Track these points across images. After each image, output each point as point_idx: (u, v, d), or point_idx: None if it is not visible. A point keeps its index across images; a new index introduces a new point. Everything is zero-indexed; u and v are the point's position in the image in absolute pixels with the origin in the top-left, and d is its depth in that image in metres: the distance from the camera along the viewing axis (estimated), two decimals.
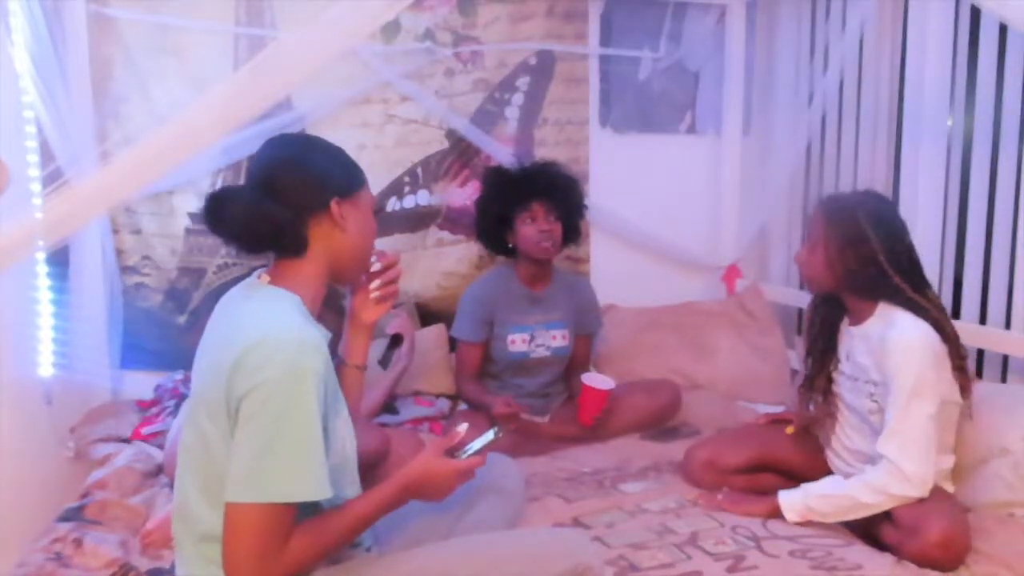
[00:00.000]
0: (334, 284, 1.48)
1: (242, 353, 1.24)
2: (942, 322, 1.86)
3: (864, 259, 1.87)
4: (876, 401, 1.88)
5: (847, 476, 1.98)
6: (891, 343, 1.82)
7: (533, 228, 2.50)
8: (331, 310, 1.77)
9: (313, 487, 1.23)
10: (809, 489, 1.89)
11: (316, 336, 1.30)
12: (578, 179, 2.70)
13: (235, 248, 1.39)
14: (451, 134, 2.99)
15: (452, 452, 1.44)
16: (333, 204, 1.38)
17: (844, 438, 2.01)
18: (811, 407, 2.09)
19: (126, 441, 2.38)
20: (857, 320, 1.96)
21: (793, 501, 1.90)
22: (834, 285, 1.95)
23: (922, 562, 1.70)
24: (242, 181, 2.74)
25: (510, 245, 2.58)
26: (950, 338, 1.86)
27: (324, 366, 1.28)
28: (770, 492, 2.05)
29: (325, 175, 1.38)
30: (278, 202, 1.34)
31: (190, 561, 1.36)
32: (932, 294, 1.91)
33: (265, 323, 1.28)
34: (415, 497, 1.40)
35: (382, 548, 1.51)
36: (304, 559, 1.27)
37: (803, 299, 2.21)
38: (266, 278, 1.38)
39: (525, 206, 2.50)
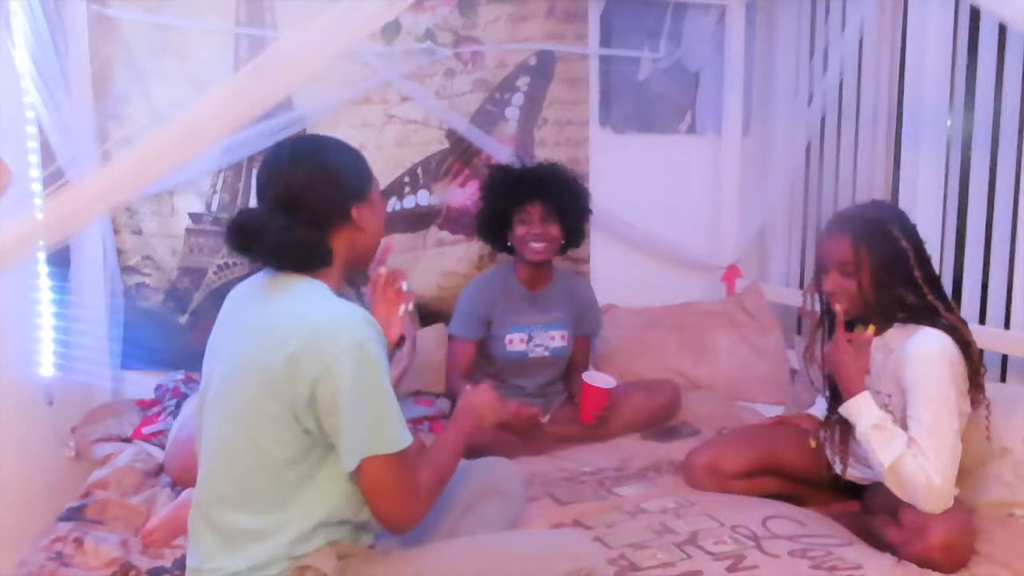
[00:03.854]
0: (348, 273, 1.52)
1: (300, 342, 1.29)
2: (969, 341, 1.83)
3: (901, 278, 1.83)
4: (891, 412, 1.86)
5: (863, 477, 2.00)
6: (911, 355, 1.80)
7: (526, 230, 2.51)
8: None
9: (407, 433, 1.36)
10: (884, 424, 1.80)
11: (361, 309, 1.36)
12: (581, 182, 2.70)
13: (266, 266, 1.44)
14: (451, 134, 2.99)
15: None
16: (354, 212, 1.42)
17: (858, 448, 1.97)
18: (836, 427, 2.01)
19: (127, 441, 2.38)
20: (877, 331, 1.92)
21: (865, 413, 1.83)
22: (865, 310, 1.90)
23: (924, 563, 1.69)
24: (241, 183, 2.79)
25: (509, 244, 2.58)
26: (973, 355, 1.83)
27: (377, 334, 1.34)
28: (772, 496, 2.06)
29: (345, 186, 1.42)
30: (304, 223, 1.38)
31: (203, 551, 1.37)
32: (955, 306, 1.88)
33: (311, 310, 1.34)
34: (476, 421, 1.63)
35: (386, 547, 1.51)
36: (433, 487, 1.43)
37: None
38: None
39: (521, 207, 2.51)
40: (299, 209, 1.38)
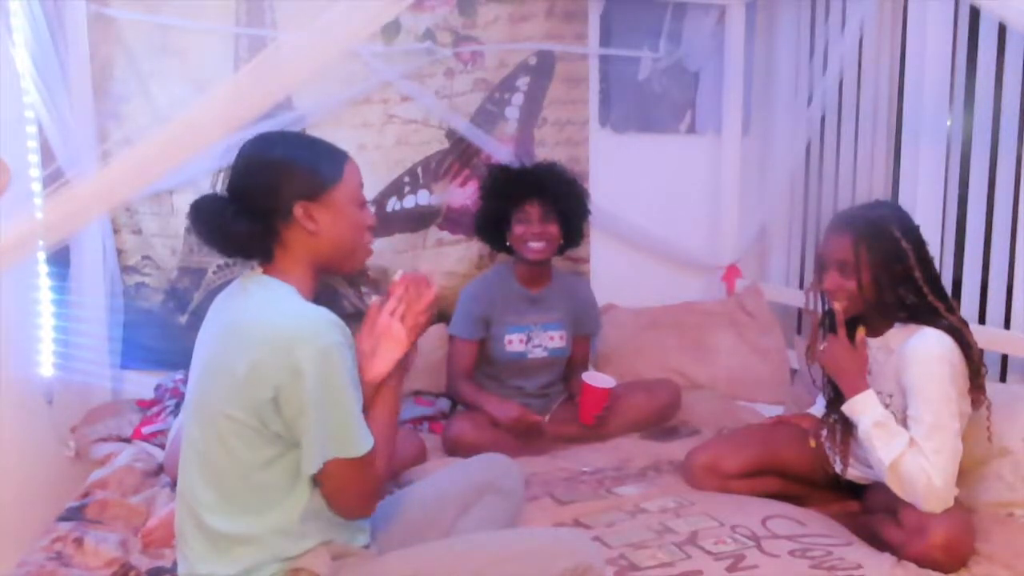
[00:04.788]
0: (329, 275, 1.49)
1: (263, 348, 1.28)
2: (970, 342, 1.83)
3: (901, 278, 1.83)
4: (893, 412, 1.86)
5: (863, 476, 2.00)
6: (912, 355, 1.81)
7: (524, 229, 2.51)
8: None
9: (369, 436, 1.34)
10: (886, 423, 1.81)
11: (327, 312, 1.33)
12: (579, 182, 2.71)
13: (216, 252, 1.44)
14: (451, 134, 2.99)
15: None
16: (297, 209, 1.38)
17: (858, 448, 1.97)
18: (836, 427, 2.02)
19: (127, 441, 2.39)
20: (877, 331, 1.93)
21: (868, 411, 1.83)
22: (864, 309, 1.90)
23: (924, 563, 1.69)
24: None
25: (508, 244, 2.59)
26: (974, 355, 1.83)
27: (344, 337, 1.32)
28: (772, 496, 2.05)
29: (287, 182, 1.38)
30: (242, 212, 1.36)
31: (194, 557, 1.37)
32: (956, 307, 1.89)
33: (275, 314, 1.32)
34: (390, 359, 1.45)
35: (382, 546, 1.51)
36: (386, 471, 1.41)
37: (802, 299, 2.21)
38: (259, 269, 1.41)
39: (519, 206, 2.52)
40: (240, 199, 1.38)
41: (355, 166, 1.46)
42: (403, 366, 1.48)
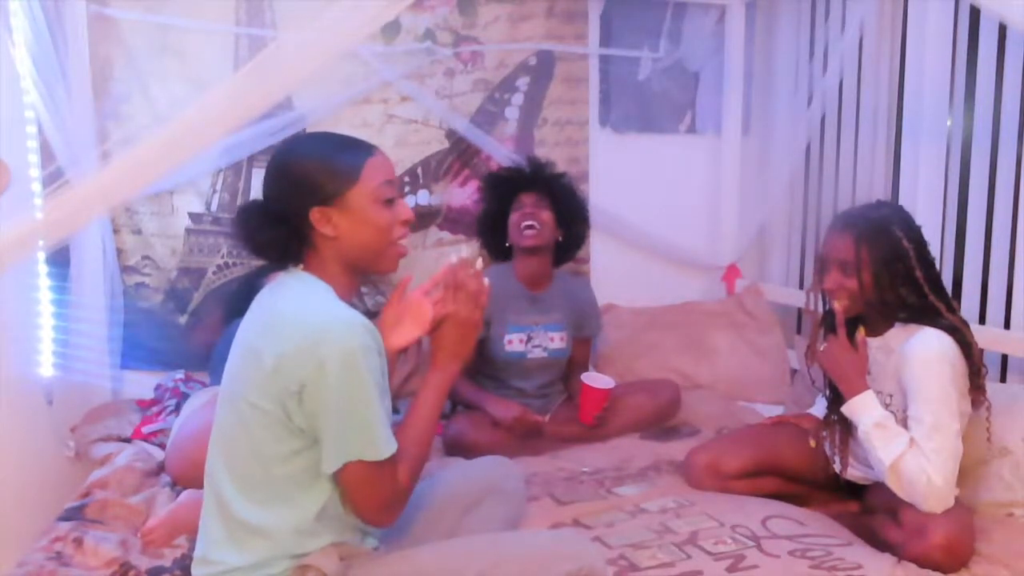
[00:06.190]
0: (366, 275, 1.50)
1: (292, 342, 1.29)
2: (971, 342, 1.84)
3: (902, 278, 1.84)
4: (893, 412, 1.86)
5: (863, 476, 2.00)
6: (912, 355, 1.81)
7: (518, 216, 2.55)
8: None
9: (392, 441, 1.34)
10: (886, 423, 1.81)
11: (359, 314, 1.34)
12: (572, 178, 2.76)
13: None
14: (451, 134, 2.99)
15: None
16: (313, 215, 1.38)
17: (858, 448, 1.97)
18: (836, 427, 2.01)
19: (127, 440, 2.38)
20: (877, 331, 1.93)
21: (867, 412, 1.84)
22: (865, 309, 1.91)
23: (924, 563, 1.69)
24: (241, 183, 2.80)
25: (507, 244, 2.60)
26: (974, 356, 1.83)
27: (373, 341, 1.32)
28: (772, 496, 2.06)
29: (301, 188, 1.38)
30: (267, 218, 1.39)
31: (209, 541, 1.39)
32: (956, 307, 1.89)
33: (308, 311, 1.34)
34: (455, 357, 1.49)
35: (387, 547, 1.51)
36: (413, 478, 1.39)
37: (802, 299, 2.20)
38: (300, 265, 1.43)
39: (516, 199, 2.57)
40: (266, 204, 1.41)
41: (378, 163, 1.43)
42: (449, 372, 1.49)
